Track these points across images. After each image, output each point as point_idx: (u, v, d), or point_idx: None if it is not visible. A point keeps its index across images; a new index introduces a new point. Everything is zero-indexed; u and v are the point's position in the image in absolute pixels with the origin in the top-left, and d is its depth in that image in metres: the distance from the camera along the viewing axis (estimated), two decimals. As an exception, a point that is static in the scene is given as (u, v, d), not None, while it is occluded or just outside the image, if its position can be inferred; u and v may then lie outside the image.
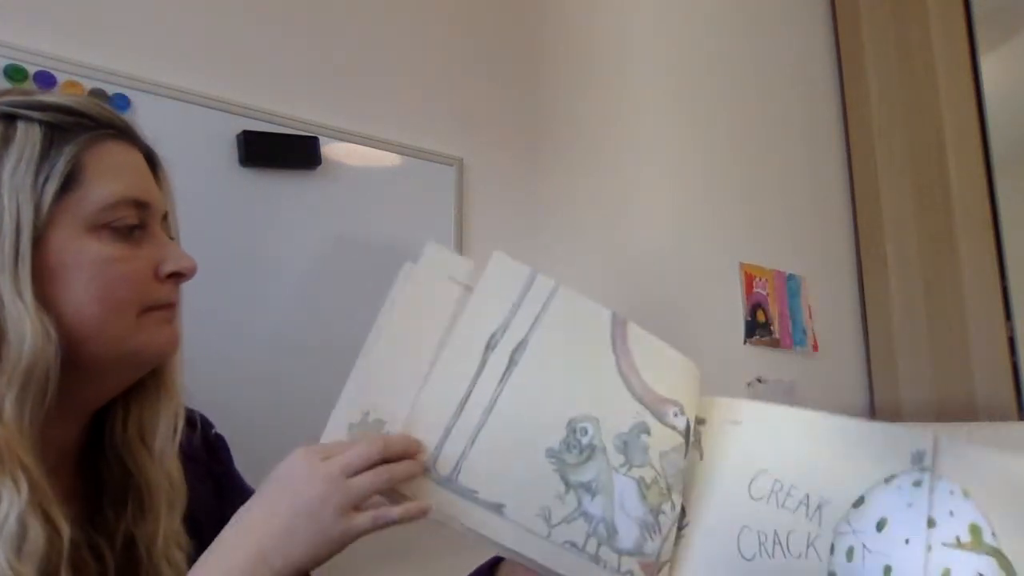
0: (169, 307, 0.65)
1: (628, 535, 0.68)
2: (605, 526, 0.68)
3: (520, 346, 0.71)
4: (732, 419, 0.75)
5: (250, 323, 1.08)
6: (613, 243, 1.59)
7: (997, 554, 0.66)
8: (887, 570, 0.68)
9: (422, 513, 0.61)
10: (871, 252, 2.10)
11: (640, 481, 0.70)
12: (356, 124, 1.23)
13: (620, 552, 0.68)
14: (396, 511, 0.60)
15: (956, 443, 0.71)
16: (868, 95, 2.13)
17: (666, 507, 0.71)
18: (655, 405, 0.73)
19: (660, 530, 0.70)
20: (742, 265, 1.84)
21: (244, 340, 1.07)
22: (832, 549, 0.70)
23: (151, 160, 0.68)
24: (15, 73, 0.92)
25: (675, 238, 1.72)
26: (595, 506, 0.68)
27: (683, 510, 0.73)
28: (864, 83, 2.14)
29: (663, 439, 0.72)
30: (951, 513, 0.69)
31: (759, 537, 0.71)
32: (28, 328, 0.55)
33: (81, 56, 0.98)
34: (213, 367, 0.98)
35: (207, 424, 0.79)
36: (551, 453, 0.68)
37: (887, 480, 0.71)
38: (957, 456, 0.70)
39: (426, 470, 0.64)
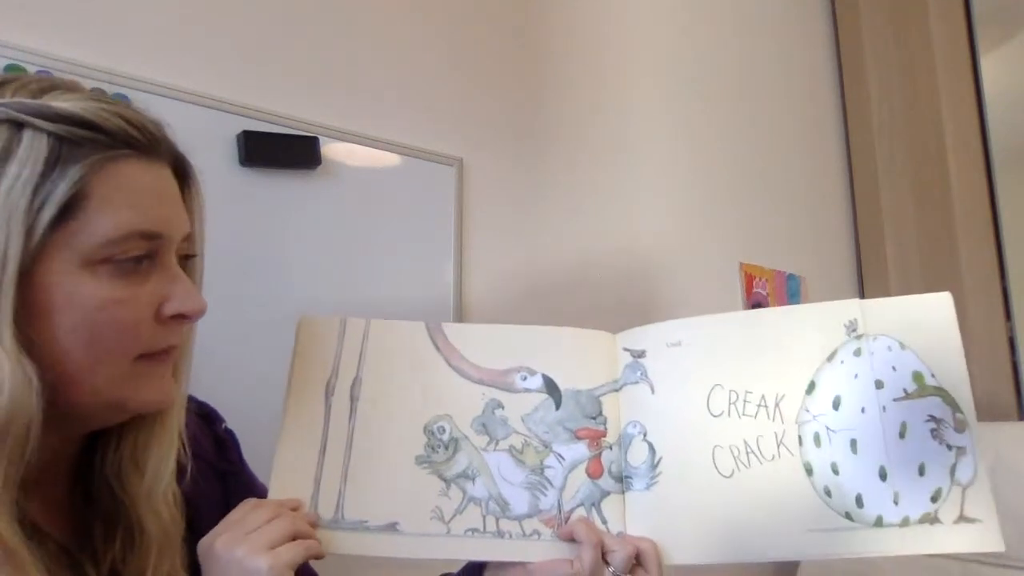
0: (167, 352, 0.59)
1: (519, 501, 0.73)
2: (496, 502, 0.73)
3: (356, 382, 0.76)
4: (671, 341, 0.77)
5: (250, 322, 1.08)
6: (613, 243, 1.59)
7: (940, 392, 0.70)
8: (853, 444, 0.71)
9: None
10: (871, 252, 2.10)
11: (511, 450, 0.74)
12: (356, 124, 1.23)
13: (519, 518, 0.72)
14: (314, 542, 0.64)
15: (880, 301, 0.74)
16: (868, 95, 2.13)
17: (549, 461, 0.74)
18: (498, 380, 0.77)
19: (551, 483, 0.73)
20: (742, 265, 1.84)
21: (244, 339, 1.07)
22: (800, 440, 0.72)
23: (181, 173, 0.62)
24: (15, 72, 0.92)
25: (675, 238, 1.72)
26: (479, 488, 0.73)
27: (652, 448, 0.74)
28: (864, 83, 2.14)
29: (520, 405, 0.76)
30: (894, 369, 0.72)
31: (732, 452, 0.73)
32: (7, 376, 0.48)
33: (81, 56, 0.98)
34: (214, 365, 0.98)
35: (217, 419, 0.77)
36: (420, 460, 0.73)
37: (829, 358, 0.73)
38: (885, 312, 0.74)
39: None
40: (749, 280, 1.85)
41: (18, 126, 0.51)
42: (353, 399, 0.75)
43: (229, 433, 0.78)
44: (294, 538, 0.62)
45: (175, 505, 0.63)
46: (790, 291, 1.95)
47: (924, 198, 1.97)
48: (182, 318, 0.58)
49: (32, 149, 0.51)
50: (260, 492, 0.72)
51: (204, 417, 0.75)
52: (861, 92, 2.15)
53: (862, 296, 2.12)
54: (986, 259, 1.85)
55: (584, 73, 1.61)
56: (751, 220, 1.90)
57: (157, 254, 0.57)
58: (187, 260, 0.63)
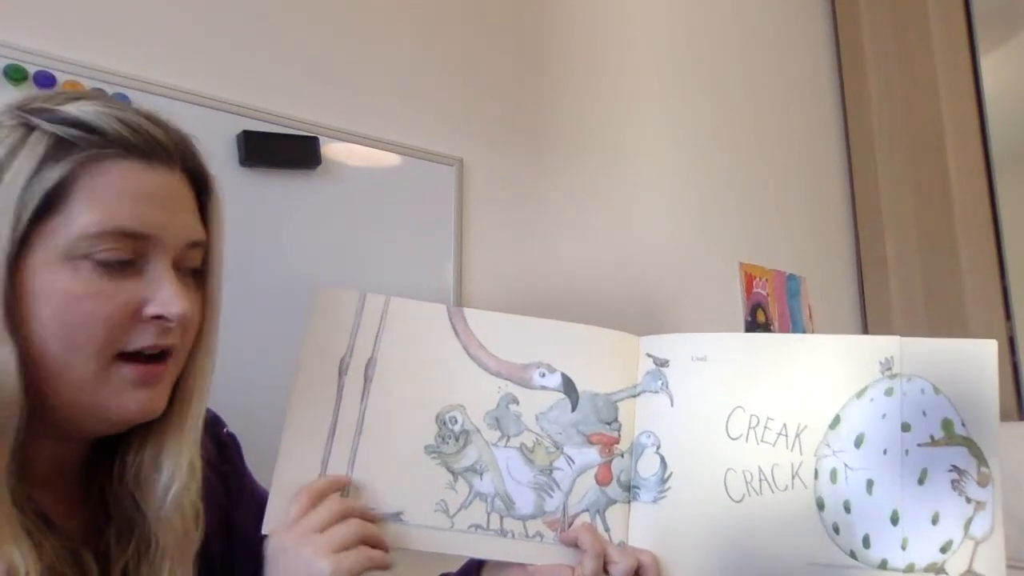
0: (156, 361, 0.58)
1: (525, 501, 0.72)
2: (501, 499, 0.71)
3: (370, 362, 0.74)
4: (697, 355, 0.75)
5: (250, 323, 1.08)
6: (613, 243, 1.59)
7: (968, 443, 0.69)
8: (870, 484, 0.70)
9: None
10: (871, 252, 2.10)
11: (522, 448, 0.73)
12: (356, 124, 1.23)
13: (523, 518, 0.71)
14: (380, 552, 0.64)
15: (921, 341, 0.72)
16: (868, 95, 2.13)
17: (559, 463, 0.73)
18: (515, 375, 0.75)
19: (559, 486, 0.72)
20: (742, 265, 1.84)
21: (244, 340, 1.07)
22: (816, 474, 0.71)
23: (199, 184, 0.63)
24: (15, 73, 0.92)
25: (675, 238, 1.72)
26: (486, 484, 0.72)
27: (663, 461, 0.73)
28: (864, 83, 2.14)
29: (535, 403, 0.74)
30: (924, 413, 0.70)
31: (744, 476, 0.71)
32: None
33: (81, 56, 0.98)
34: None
35: (219, 423, 0.77)
36: (430, 449, 0.72)
37: (859, 394, 0.72)
38: (924, 354, 0.72)
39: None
40: (749, 280, 1.85)
41: (29, 129, 0.54)
42: (367, 379, 0.73)
43: (231, 437, 0.78)
44: (361, 543, 0.63)
45: (192, 518, 0.62)
46: (790, 291, 1.95)
47: (924, 198, 1.97)
48: (161, 320, 0.57)
49: (34, 148, 0.53)
50: (260, 496, 0.72)
51: (207, 422, 0.75)
52: (861, 92, 2.15)
53: (862, 296, 2.12)
54: (986, 259, 1.85)
55: (584, 73, 1.61)
56: (751, 220, 1.90)
57: (145, 255, 0.57)
58: (197, 269, 0.64)
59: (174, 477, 0.60)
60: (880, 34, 2.11)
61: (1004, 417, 1.92)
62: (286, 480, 0.69)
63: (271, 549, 0.63)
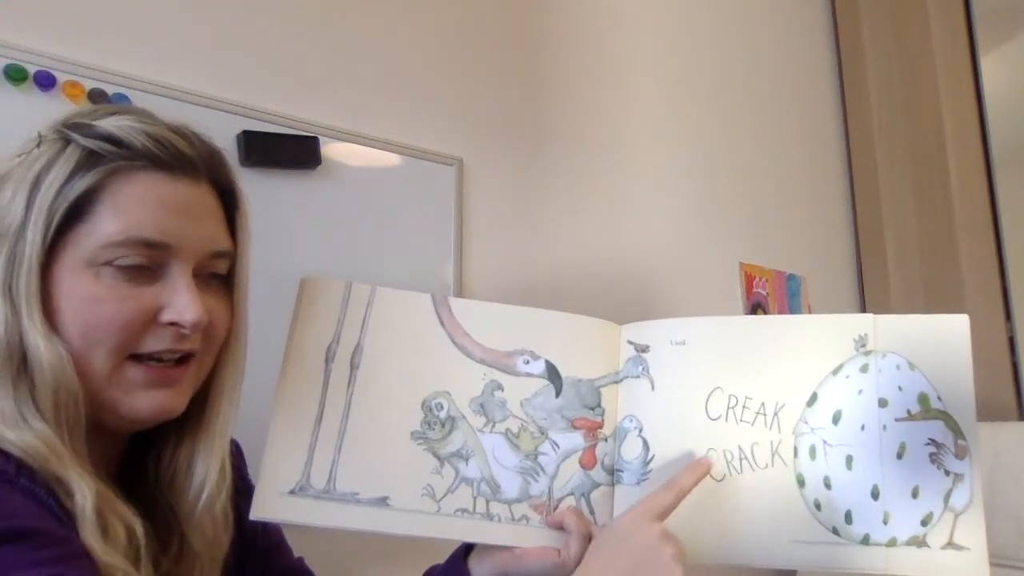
0: (167, 363, 0.60)
1: (511, 486, 0.73)
2: (487, 484, 0.73)
3: (357, 350, 0.75)
4: (676, 340, 0.76)
5: (250, 323, 1.08)
6: (613, 243, 1.59)
7: (944, 416, 0.70)
8: (850, 460, 0.71)
9: None
10: (871, 252, 2.10)
11: (507, 433, 0.74)
12: (356, 124, 1.23)
13: (509, 502, 0.73)
14: None
15: (894, 318, 0.73)
16: (868, 95, 2.12)
17: (544, 447, 0.74)
18: (500, 362, 0.76)
19: (544, 470, 0.74)
20: (742, 265, 1.84)
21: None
22: (795, 452, 0.72)
23: (226, 196, 0.65)
24: (15, 73, 0.92)
25: (675, 238, 1.72)
26: (471, 469, 0.73)
27: (646, 444, 0.74)
28: (864, 83, 2.14)
29: (520, 389, 0.76)
30: (900, 388, 0.71)
31: (725, 456, 0.73)
32: (43, 349, 0.54)
33: (81, 56, 0.98)
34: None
35: None
36: (416, 435, 0.73)
37: (835, 371, 0.73)
38: (897, 330, 0.72)
39: (301, 488, 0.70)
40: (749, 280, 1.85)
41: (66, 142, 0.58)
42: (353, 367, 0.74)
43: (234, 444, 0.79)
44: None
45: (223, 522, 0.65)
46: (790, 291, 1.95)
47: (924, 198, 1.97)
48: (176, 326, 0.59)
49: (67, 159, 0.57)
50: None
51: None
52: (861, 92, 2.15)
53: (862, 296, 2.12)
54: (986, 259, 1.85)
55: (584, 73, 1.61)
56: (751, 220, 1.90)
57: (165, 263, 0.59)
58: (225, 277, 0.65)
59: (205, 481, 0.63)
60: (880, 34, 2.11)
61: (1004, 417, 1.92)
62: (273, 467, 0.70)
63: (625, 527, 0.65)
